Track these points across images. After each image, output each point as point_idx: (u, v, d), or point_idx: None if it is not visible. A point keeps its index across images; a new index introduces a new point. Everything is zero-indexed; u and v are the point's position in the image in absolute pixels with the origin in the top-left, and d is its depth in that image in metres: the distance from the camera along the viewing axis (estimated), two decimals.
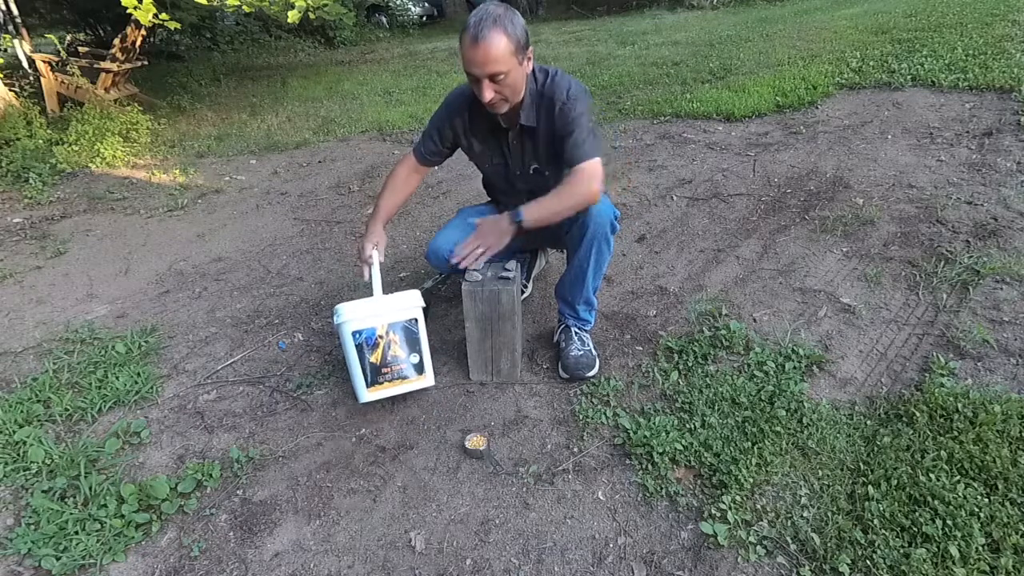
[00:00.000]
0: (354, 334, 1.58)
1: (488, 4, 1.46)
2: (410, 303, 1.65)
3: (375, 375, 1.62)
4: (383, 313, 1.61)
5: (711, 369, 1.77)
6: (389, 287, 2.25)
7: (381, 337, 1.60)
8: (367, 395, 1.63)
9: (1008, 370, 1.65)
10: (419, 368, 1.67)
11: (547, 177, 1.74)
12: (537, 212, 1.56)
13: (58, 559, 1.33)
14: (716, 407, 1.61)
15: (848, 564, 1.18)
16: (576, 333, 1.83)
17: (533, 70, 1.59)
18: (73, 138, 4.48)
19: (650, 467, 1.47)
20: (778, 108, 4.08)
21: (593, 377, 1.78)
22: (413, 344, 1.65)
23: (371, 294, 1.65)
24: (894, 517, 1.25)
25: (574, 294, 1.79)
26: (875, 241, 2.37)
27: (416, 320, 1.65)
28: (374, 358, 1.60)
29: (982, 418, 1.45)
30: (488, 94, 1.47)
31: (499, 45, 1.41)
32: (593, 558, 1.29)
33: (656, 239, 2.61)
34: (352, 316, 1.58)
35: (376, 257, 1.70)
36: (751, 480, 1.39)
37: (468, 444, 1.56)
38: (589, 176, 1.55)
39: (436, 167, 1.92)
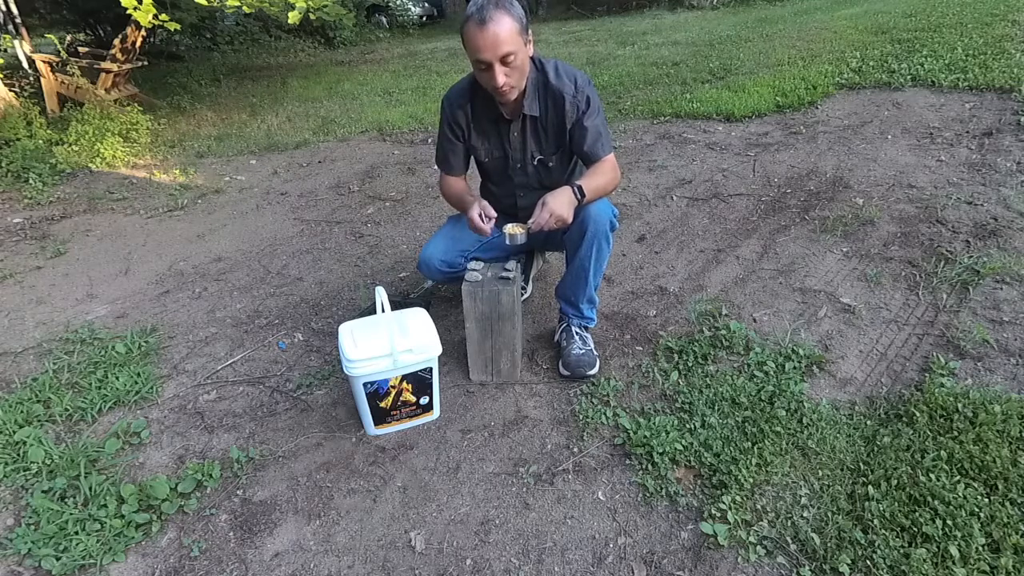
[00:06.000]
0: (365, 384, 1.53)
1: None
2: (427, 348, 1.54)
3: (383, 417, 1.63)
4: (397, 360, 1.51)
5: (711, 369, 1.77)
6: (388, 287, 2.25)
7: (393, 387, 1.56)
8: (375, 430, 1.65)
9: (1008, 370, 1.65)
10: (427, 407, 1.67)
11: (551, 168, 1.73)
12: (590, 183, 1.58)
13: (58, 559, 1.33)
14: (716, 407, 1.61)
15: (848, 564, 1.18)
16: (577, 333, 1.83)
17: (532, 59, 1.57)
18: (73, 138, 4.48)
19: (650, 467, 1.47)
20: (778, 108, 4.08)
21: (593, 376, 1.78)
22: (424, 389, 1.62)
23: (372, 296, 1.63)
24: (894, 517, 1.25)
25: (577, 293, 1.79)
26: (875, 241, 2.37)
27: (431, 369, 1.59)
28: (384, 404, 1.59)
29: (982, 418, 1.45)
30: (501, 78, 1.45)
31: (506, 25, 1.40)
32: (593, 558, 1.29)
33: (656, 239, 2.61)
34: (362, 365, 1.48)
35: (490, 210, 1.61)
36: (751, 480, 1.39)
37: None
38: (614, 167, 1.67)
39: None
